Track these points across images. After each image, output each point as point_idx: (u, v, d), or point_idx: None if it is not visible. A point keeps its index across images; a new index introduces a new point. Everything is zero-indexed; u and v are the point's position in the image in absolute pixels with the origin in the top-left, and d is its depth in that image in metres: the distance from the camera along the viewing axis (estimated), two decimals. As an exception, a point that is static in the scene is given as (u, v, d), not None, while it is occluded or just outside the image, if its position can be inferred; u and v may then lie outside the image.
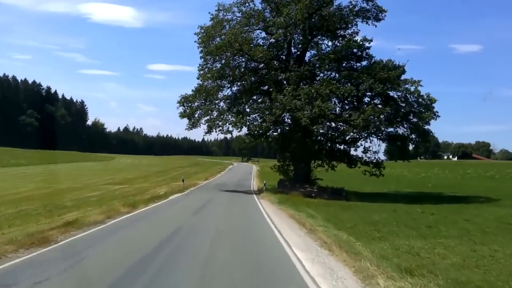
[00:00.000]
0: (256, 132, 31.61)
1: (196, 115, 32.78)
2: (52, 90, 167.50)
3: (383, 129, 29.41)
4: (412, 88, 29.36)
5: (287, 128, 33.15)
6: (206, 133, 32.55)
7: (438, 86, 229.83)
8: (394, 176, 58.34)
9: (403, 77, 30.08)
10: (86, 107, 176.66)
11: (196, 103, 33.08)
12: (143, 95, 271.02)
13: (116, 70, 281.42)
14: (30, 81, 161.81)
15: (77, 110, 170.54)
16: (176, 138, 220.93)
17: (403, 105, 30.09)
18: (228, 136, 32.22)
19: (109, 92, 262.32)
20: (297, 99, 29.41)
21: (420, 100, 29.46)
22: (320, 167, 34.84)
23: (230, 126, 31.51)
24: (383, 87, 28.66)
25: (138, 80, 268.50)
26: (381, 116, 28.91)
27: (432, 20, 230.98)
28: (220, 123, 31.91)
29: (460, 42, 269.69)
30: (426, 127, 30.37)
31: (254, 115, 31.95)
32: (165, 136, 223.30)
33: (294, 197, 28.63)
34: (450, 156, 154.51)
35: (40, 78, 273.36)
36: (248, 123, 31.52)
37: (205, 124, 32.39)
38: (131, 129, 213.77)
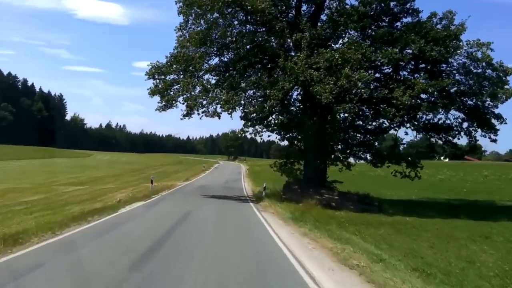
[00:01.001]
0: (254, 115, 22.02)
1: (172, 91, 23.00)
2: (29, 83, 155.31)
3: (440, 111, 20.07)
4: (479, 54, 20.10)
5: (297, 110, 23.66)
6: (185, 115, 22.80)
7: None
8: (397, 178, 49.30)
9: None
10: (64, 101, 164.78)
11: (172, 76, 23.32)
12: (129, 92, 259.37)
13: (101, 67, 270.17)
14: (5, 73, 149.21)
15: (55, 104, 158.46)
16: (160, 135, 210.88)
17: (462, 78, 20.83)
18: (216, 118, 22.36)
19: (94, 89, 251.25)
20: (313, 69, 19.99)
21: (488, 71, 20.23)
22: (332, 165, 25.44)
23: (219, 106, 21.82)
24: (440, 50, 19.34)
25: (124, 78, 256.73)
26: (435, 93, 19.63)
27: None
28: (204, 102, 22.20)
29: None
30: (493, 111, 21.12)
31: (252, 91, 22.37)
32: (148, 133, 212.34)
33: (310, 208, 19.20)
34: (441, 158, 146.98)
35: (24, 74, 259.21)
36: (243, 102, 21.96)
37: (183, 103, 22.65)
38: (114, 125, 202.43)
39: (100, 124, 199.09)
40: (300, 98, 23.43)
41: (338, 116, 21.81)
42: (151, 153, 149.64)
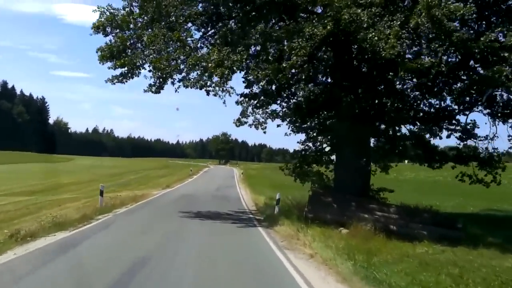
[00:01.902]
0: (263, 86, 13.48)
1: (132, 52, 14.29)
2: (10, 85, 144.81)
3: None
4: None
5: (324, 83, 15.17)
6: (152, 87, 14.10)
7: None
8: (429, 182, 41.13)
9: None
10: (47, 104, 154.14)
11: (133, 29, 14.61)
12: (119, 97, 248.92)
13: (89, 71, 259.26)
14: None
15: (38, 107, 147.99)
16: (149, 140, 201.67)
17: None
18: (203, 91, 13.56)
19: (82, 94, 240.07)
20: (360, 6, 11.61)
21: None
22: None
23: (210, 72, 13.13)
24: None
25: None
26: None
27: None
28: (182, 66, 13.51)
29: None
30: None
31: (258, 47, 13.79)
32: (137, 137, 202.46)
33: (365, 237, 10.69)
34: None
35: (11, 78, 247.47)
36: (248, 61, 13.36)
37: (150, 67, 13.93)
38: (100, 130, 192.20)
39: (87, 129, 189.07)
40: (330, 63, 14.83)
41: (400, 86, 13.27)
42: (139, 158, 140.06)
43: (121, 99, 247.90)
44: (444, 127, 16.36)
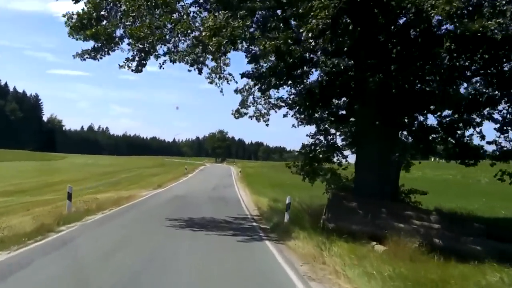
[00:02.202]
0: (277, 54, 10.57)
1: (107, 21, 11.34)
2: (2, 82, 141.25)
3: None
4: None
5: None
6: (137, 66, 11.19)
7: None
8: (438, 181, 38.35)
9: None
10: (41, 102, 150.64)
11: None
12: (117, 96, 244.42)
13: (88, 70, 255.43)
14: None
15: (31, 105, 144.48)
16: (145, 137, 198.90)
17: None
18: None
19: (80, 93, 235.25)
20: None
21: None
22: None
23: (204, 41, 10.22)
24: None
25: (111, 81, 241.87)
26: None
27: None
28: (168, 36, 10.55)
29: None
30: None
31: (265, 12, 10.91)
32: (132, 135, 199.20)
33: (412, 259, 7.78)
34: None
35: (8, 77, 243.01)
36: (253, 29, 10.47)
37: (132, 43, 10.98)
38: (96, 128, 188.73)
39: (82, 127, 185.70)
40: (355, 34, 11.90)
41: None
42: (135, 156, 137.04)
43: (119, 97, 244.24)
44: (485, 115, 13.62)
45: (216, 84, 12.40)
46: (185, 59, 10.50)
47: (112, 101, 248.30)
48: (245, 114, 15.72)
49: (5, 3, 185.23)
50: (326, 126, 15.53)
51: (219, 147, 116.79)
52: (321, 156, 15.05)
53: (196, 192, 24.70)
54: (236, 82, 13.30)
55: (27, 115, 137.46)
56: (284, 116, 15.41)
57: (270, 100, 15.04)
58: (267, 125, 16.22)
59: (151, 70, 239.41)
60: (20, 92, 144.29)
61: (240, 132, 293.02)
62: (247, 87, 15.05)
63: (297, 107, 14.78)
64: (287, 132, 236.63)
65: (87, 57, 11.40)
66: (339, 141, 15.69)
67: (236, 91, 15.37)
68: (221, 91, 13.26)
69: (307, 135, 15.80)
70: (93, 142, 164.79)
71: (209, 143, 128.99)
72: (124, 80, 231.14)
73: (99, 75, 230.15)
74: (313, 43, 9.74)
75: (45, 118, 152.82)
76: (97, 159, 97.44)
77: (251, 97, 15.33)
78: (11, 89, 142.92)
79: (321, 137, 15.41)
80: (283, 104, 14.85)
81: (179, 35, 10.27)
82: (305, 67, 11.97)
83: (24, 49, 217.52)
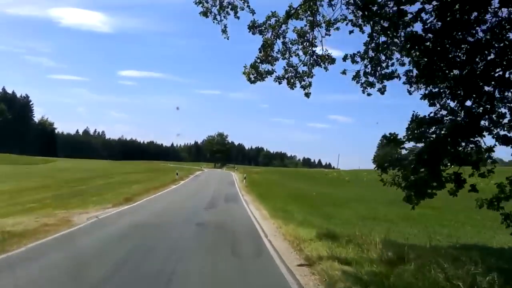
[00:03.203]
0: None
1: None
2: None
3: None
4: None
5: None
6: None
7: None
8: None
9: None
10: (31, 103, 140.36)
11: None
12: (114, 101, 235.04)
13: (85, 75, 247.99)
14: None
15: (20, 106, 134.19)
16: (141, 142, 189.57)
17: None
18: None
19: (78, 98, 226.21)
20: None
21: None
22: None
23: None
24: None
25: (109, 86, 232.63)
26: None
27: None
28: None
29: None
30: None
31: None
32: (128, 139, 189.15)
33: None
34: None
35: (7, 82, 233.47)
36: None
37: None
38: (92, 132, 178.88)
39: (77, 130, 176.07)
40: None
41: None
42: (130, 160, 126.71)
43: (116, 103, 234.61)
44: None
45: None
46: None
47: (110, 106, 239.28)
48: (268, 74, 8.50)
49: (4, 8, 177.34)
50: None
51: (218, 151, 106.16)
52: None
53: (179, 212, 14.56)
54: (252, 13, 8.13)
55: (16, 117, 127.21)
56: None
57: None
58: (307, 95, 9.07)
59: (146, 75, 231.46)
60: (9, 93, 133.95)
61: (240, 136, 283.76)
62: (272, 20, 8.43)
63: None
64: (287, 137, 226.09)
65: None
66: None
67: (252, 26, 8.21)
68: (225, 30, 8.62)
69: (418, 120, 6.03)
70: (87, 146, 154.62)
71: (207, 147, 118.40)
72: (121, 86, 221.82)
73: (97, 80, 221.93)
74: None
75: (36, 120, 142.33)
76: (85, 164, 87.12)
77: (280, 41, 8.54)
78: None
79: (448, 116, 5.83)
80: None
81: None
82: None
83: (22, 54, 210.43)
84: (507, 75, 6.94)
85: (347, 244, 8.38)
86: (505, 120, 7.32)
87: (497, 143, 7.29)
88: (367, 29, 8.31)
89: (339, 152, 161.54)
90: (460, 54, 7.35)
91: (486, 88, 7.18)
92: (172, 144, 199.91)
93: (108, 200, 18.59)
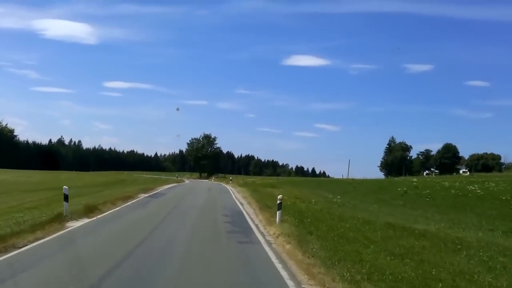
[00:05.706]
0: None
1: None
2: None
3: None
4: None
5: None
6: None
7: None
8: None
9: None
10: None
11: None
12: (100, 113, 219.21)
13: (70, 87, 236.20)
14: None
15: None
16: (120, 151, 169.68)
17: None
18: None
19: (63, 110, 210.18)
20: None
21: None
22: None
23: None
24: None
25: (94, 98, 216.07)
26: None
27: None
28: None
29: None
30: None
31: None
32: (107, 149, 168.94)
33: None
34: (464, 170, 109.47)
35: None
36: None
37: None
38: (67, 142, 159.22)
39: (50, 140, 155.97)
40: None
41: None
42: (102, 171, 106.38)
43: (102, 114, 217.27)
44: None
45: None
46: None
47: (95, 118, 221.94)
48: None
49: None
50: None
51: (204, 157, 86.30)
52: None
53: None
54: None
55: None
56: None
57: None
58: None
59: (132, 86, 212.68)
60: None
61: (229, 146, 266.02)
62: None
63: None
64: (275, 146, 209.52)
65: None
66: None
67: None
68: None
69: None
70: (54, 156, 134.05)
71: (191, 152, 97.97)
72: (106, 97, 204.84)
73: (81, 92, 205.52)
74: None
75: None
76: (33, 175, 67.05)
77: None
78: None
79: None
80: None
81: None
82: None
83: (6, 66, 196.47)
84: None
85: None
86: None
87: None
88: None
89: (349, 158, 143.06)
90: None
91: None
92: (156, 154, 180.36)
93: None
